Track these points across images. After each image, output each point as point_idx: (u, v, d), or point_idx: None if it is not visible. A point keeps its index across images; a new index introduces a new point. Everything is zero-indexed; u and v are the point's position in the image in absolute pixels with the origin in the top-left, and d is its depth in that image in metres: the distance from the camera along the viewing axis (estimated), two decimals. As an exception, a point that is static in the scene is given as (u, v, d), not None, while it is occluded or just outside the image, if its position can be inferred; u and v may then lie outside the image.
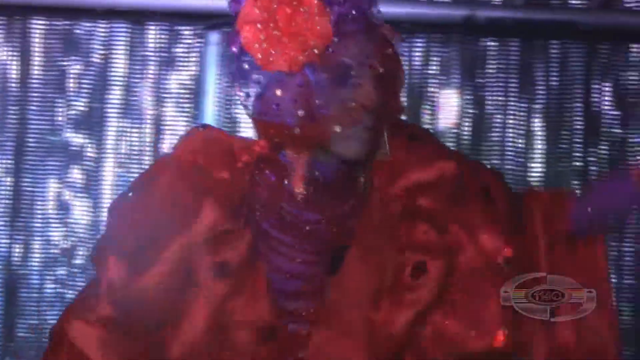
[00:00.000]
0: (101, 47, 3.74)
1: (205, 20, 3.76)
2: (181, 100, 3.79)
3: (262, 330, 1.99)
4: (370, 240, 2.05)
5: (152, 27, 3.77)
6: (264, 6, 1.93)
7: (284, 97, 1.94)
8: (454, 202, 2.08)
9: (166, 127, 3.76)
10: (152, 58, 3.77)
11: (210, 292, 1.95)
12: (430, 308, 2.04)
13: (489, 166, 2.16)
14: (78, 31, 3.73)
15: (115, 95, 3.76)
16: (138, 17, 3.72)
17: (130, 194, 2.05)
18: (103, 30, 3.74)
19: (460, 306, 2.04)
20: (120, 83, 3.76)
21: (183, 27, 3.78)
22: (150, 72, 3.77)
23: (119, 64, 3.76)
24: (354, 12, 1.95)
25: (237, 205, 2.02)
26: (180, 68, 3.79)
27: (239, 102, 2.08)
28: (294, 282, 2.04)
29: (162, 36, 3.78)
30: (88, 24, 3.73)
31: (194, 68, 3.79)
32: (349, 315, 2.02)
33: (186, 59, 3.79)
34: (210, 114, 3.79)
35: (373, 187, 2.08)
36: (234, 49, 1.99)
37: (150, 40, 3.77)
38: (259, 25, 1.93)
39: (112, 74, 3.75)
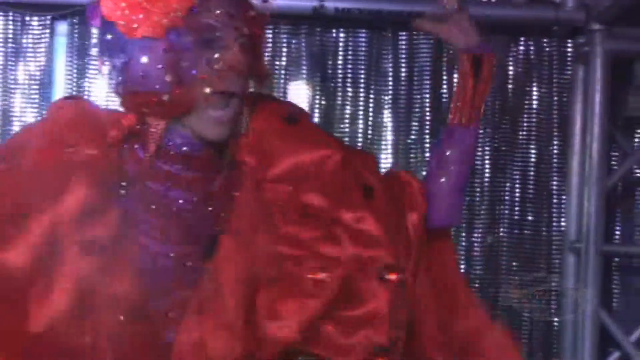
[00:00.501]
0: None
1: (53, 10, 3.77)
2: (29, 91, 3.80)
3: (129, 310, 1.93)
4: (245, 227, 1.99)
5: (0, 18, 3.78)
6: None
7: (151, 64, 1.90)
8: (335, 195, 2.03)
9: (14, 118, 3.76)
10: (0, 49, 3.78)
11: (76, 269, 1.89)
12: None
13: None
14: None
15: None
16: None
17: None
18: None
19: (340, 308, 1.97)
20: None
21: (31, 18, 3.79)
22: (-1, 63, 3.78)
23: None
24: None
25: (106, 182, 1.97)
26: (29, 59, 3.80)
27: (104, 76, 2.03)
28: (164, 265, 1.98)
29: (10, 27, 3.79)
30: None
31: (42, 59, 3.80)
32: (223, 303, 1.97)
33: (34, 50, 3.80)
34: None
35: (244, 168, 2.04)
36: (95, 20, 1.96)
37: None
38: None
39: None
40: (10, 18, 3.79)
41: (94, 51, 3.80)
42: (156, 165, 1.98)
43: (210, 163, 2.01)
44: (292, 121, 2.06)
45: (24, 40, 3.80)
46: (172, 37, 1.90)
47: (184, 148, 1.98)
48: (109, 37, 1.93)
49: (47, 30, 3.82)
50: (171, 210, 1.98)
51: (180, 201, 1.99)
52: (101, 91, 3.80)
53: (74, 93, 3.80)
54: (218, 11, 1.92)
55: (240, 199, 2.01)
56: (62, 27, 3.83)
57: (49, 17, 3.80)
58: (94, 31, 3.75)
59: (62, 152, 1.96)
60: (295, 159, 2.02)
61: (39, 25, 3.80)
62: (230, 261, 1.98)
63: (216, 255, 1.98)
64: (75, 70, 3.83)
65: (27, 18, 3.79)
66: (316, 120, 3.85)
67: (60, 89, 3.82)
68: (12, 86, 3.78)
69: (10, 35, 3.79)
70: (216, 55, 1.91)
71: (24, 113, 3.79)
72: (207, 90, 1.92)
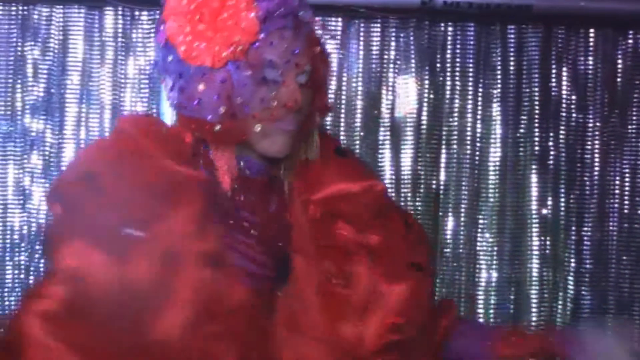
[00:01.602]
0: (58, 33, 3.74)
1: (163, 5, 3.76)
2: (139, 86, 3.79)
3: (241, 321, 1.95)
4: (307, 246, 2.04)
5: (110, 12, 3.76)
6: None
7: (206, 93, 1.90)
8: (377, 215, 2.08)
9: (125, 113, 3.75)
10: (110, 43, 3.77)
11: (194, 280, 1.89)
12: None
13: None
14: (35, 16, 3.72)
15: (73, 80, 3.75)
16: (96, 2, 3.72)
17: (85, 177, 1.93)
18: (60, 15, 3.73)
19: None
20: (79, 68, 3.75)
21: (140, 12, 3.78)
22: (108, 57, 3.76)
23: (77, 49, 3.75)
24: (282, 9, 1.92)
25: (208, 196, 1.97)
26: (138, 53, 3.79)
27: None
28: (247, 281, 2.00)
29: (120, 21, 3.78)
30: (45, 9, 3.72)
31: (151, 53, 3.78)
32: (313, 320, 2.01)
33: (144, 44, 3.79)
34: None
35: (294, 193, 2.07)
36: (160, 39, 1.97)
37: (108, 26, 3.76)
38: (184, 18, 1.90)
39: (70, 59, 3.75)
40: (120, 13, 3.77)
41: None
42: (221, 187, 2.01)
43: (270, 185, 2.05)
44: (341, 154, 2.12)
45: (134, 35, 3.78)
46: (231, 70, 1.89)
47: (246, 171, 2.01)
48: (169, 58, 1.93)
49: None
50: (244, 229, 2.01)
51: (250, 221, 2.02)
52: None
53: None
54: (281, 47, 1.90)
55: (295, 220, 2.05)
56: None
57: (158, 12, 3.78)
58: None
59: (160, 166, 1.95)
60: (341, 185, 2.07)
61: (149, 20, 3.78)
62: (306, 279, 2.02)
63: (292, 275, 2.03)
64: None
65: (137, 13, 3.78)
66: (424, 114, 3.84)
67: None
68: (122, 81, 3.77)
69: (120, 30, 3.77)
70: (273, 94, 1.91)
71: (134, 108, 3.77)
72: (258, 128, 1.93)
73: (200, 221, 1.91)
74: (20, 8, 3.71)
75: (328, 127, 3.77)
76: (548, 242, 3.84)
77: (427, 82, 3.83)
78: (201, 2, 1.90)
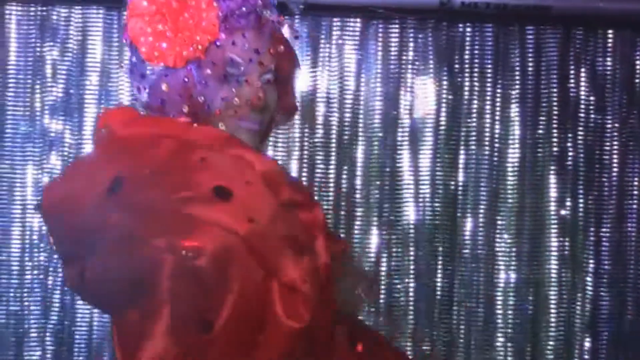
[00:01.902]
0: (77, 33, 3.74)
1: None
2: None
3: None
4: None
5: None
6: None
7: (169, 93, 1.90)
8: None
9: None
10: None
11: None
12: None
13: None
14: (54, 17, 3.72)
15: (92, 81, 3.75)
16: (114, 3, 3.72)
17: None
18: (79, 16, 3.74)
19: None
20: (97, 69, 3.76)
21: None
22: (126, 57, 3.75)
23: (95, 50, 3.76)
24: (243, 8, 1.92)
25: None
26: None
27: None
28: None
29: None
30: (64, 10, 3.73)
31: (171, 54, 3.78)
32: None
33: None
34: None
35: None
36: (125, 41, 1.98)
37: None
38: (145, 18, 1.91)
39: (89, 59, 3.75)
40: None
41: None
42: None
43: None
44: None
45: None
46: (192, 69, 1.89)
47: None
48: (134, 59, 1.96)
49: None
50: None
51: None
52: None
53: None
54: (242, 46, 1.90)
55: None
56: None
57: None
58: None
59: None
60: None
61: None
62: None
63: None
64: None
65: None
66: (443, 115, 3.84)
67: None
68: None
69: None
70: (234, 91, 1.91)
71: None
72: (222, 126, 1.92)
73: None
74: (39, 9, 3.72)
75: (347, 129, 3.77)
76: (567, 243, 3.83)
77: (445, 83, 3.83)
78: (162, 3, 1.90)
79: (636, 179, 3.86)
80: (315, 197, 2.10)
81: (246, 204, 1.80)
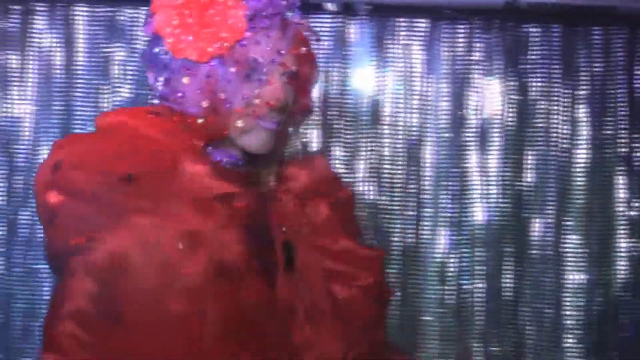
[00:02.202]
0: (144, 34, 3.72)
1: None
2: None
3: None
4: (300, 233, 2.08)
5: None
6: None
7: (190, 86, 1.93)
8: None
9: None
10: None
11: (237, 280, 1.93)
12: None
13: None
14: (121, 18, 3.72)
15: (159, 81, 3.74)
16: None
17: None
18: (145, 16, 3.72)
19: None
20: (164, 69, 3.74)
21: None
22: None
23: (163, 51, 3.74)
24: (269, 9, 1.95)
25: None
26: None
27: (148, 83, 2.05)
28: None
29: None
30: (131, 11, 3.72)
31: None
32: (321, 309, 2.05)
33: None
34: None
35: (277, 188, 2.12)
36: (148, 30, 2.01)
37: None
38: (173, 11, 1.94)
39: (156, 60, 3.74)
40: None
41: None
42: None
43: (249, 180, 2.06)
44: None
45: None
46: (216, 65, 1.92)
47: (227, 165, 2.03)
48: (156, 49, 1.98)
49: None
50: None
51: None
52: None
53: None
54: (266, 46, 1.93)
55: (280, 208, 2.08)
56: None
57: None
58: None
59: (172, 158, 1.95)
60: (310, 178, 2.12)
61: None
62: (311, 268, 2.07)
63: (296, 263, 2.05)
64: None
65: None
66: (510, 115, 3.82)
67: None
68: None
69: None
70: (255, 91, 1.94)
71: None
72: (240, 123, 1.95)
73: (242, 229, 1.94)
74: (107, 10, 3.71)
75: (414, 130, 3.76)
76: (636, 244, 3.81)
77: (511, 83, 3.81)
78: (184, 4, 1.94)
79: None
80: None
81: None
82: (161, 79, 1.96)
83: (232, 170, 2.04)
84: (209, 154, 2.02)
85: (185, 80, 1.93)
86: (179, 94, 1.93)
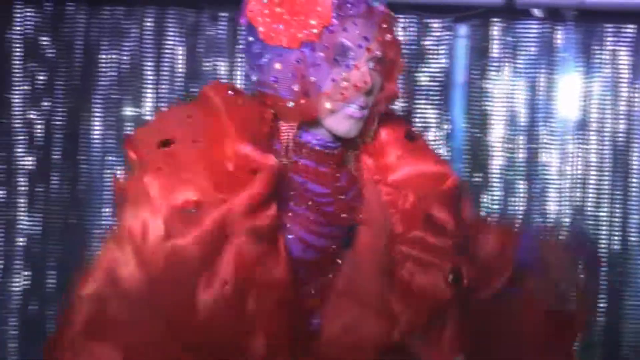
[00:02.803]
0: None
1: (454, 12, 3.77)
2: (431, 93, 3.79)
3: (281, 296, 2.02)
4: (375, 219, 2.12)
5: (401, 20, 3.78)
6: None
7: (282, 71, 2.01)
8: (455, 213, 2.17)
9: (417, 119, 3.76)
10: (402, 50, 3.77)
11: (238, 258, 1.97)
12: None
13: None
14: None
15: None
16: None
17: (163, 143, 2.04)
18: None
19: None
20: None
21: (432, 20, 3.79)
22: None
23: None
24: None
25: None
26: (430, 61, 3.79)
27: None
28: (311, 252, 2.10)
29: (411, 29, 3.79)
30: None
31: (443, 61, 3.79)
32: (368, 290, 2.10)
33: (435, 52, 3.79)
34: (460, 107, 3.80)
35: (364, 168, 2.16)
36: (242, 21, 2.07)
37: (399, 33, 3.77)
38: (264, 1, 2.03)
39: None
40: (412, 20, 3.79)
41: (494, 52, 3.80)
42: (294, 160, 2.08)
43: (340, 160, 2.13)
44: (410, 138, 2.19)
45: (426, 42, 3.79)
46: (305, 51, 1.99)
47: (317, 146, 2.09)
48: (250, 39, 2.05)
49: (449, 32, 3.81)
50: (311, 201, 2.09)
51: (317, 193, 2.10)
52: (501, 91, 3.79)
53: (475, 95, 3.79)
54: (354, 32, 2.00)
55: (366, 195, 2.13)
56: (463, 29, 3.82)
57: (450, 19, 3.79)
58: (495, 33, 3.80)
59: (234, 149, 2.01)
60: (416, 169, 2.14)
61: (440, 27, 3.79)
62: (369, 251, 2.11)
63: (355, 245, 2.11)
64: (476, 72, 3.81)
65: (428, 20, 3.79)
66: None
67: (460, 91, 3.81)
68: (414, 88, 3.78)
69: (412, 37, 3.78)
70: (343, 74, 2.00)
71: (426, 115, 3.78)
72: (329, 105, 2.01)
73: (257, 200, 1.98)
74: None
75: (621, 136, 3.74)
76: None
77: None
78: None
79: None
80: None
81: None
82: (255, 65, 2.06)
83: (323, 151, 2.11)
84: (301, 137, 2.09)
85: (277, 65, 2.01)
86: (272, 79, 2.02)
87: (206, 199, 1.97)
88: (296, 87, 2.01)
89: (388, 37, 2.06)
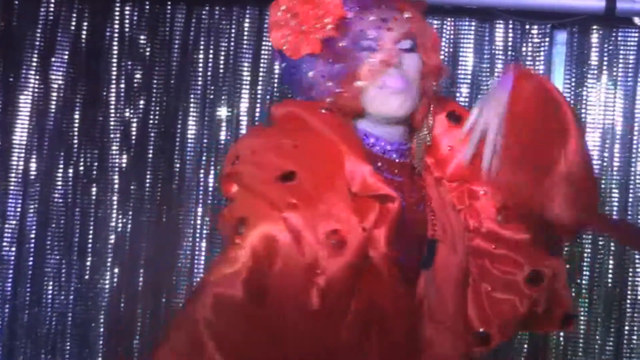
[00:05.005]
0: (449, 45, 3.75)
1: (553, 19, 3.75)
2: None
3: (405, 323, 2.04)
4: (448, 228, 2.10)
5: (501, 25, 3.77)
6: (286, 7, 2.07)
7: (316, 76, 2.05)
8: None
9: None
10: (500, 56, 3.76)
11: (326, 267, 1.96)
12: None
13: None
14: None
15: (463, 91, 3.76)
16: (486, 15, 3.73)
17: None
18: (450, 26, 3.76)
19: None
20: (468, 80, 3.76)
21: (531, 26, 3.77)
22: (497, 70, 3.75)
23: (467, 61, 3.76)
24: None
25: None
26: (528, 67, 3.77)
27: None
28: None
29: (510, 34, 3.78)
30: (436, 21, 3.74)
31: (541, 67, 3.77)
32: (445, 308, 2.08)
33: (533, 58, 3.77)
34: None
35: (429, 171, 2.14)
36: (276, 56, 2.21)
37: (498, 38, 3.77)
38: (281, 23, 2.07)
39: (460, 70, 3.76)
40: (511, 26, 3.77)
41: (593, 60, 3.77)
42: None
43: (410, 167, 2.10)
44: (454, 119, 2.13)
45: (524, 49, 3.77)
46: (329, 48, 2.03)
47: (380, 150, 2.07)
48: (283, 64, 2.12)
49: (547, 39, 3.78)
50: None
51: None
52: (599, 99, 3.76)
53: (571, 102, 3.76)
54: (369, 18, 2.03)
55: (433, 204, 2.11)
56: (562, 36, 3.80)
57: (548, 26, 3.77)
58: (594, 41, 3.77)
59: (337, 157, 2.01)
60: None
61: (539, 33, 3.77)
62: (446, 268, 2.08)
63: (434, 262, 2.08)
64: (573, 80, 3.78)
65: (527, 26, 3.77)
66: None
67: (559, 98, 3.78)
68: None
69: (510, 43, 3.77)
70: (370, 57, 2.02)
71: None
72: (360, 83, 2.02)
73: (392, 234, 1.98)
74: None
75: None
76: None
77: None
78: (290, 6, 2.06)
79: None
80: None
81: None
82: (300, 87, 2.09)
83: (393, 161, 2.09)
84: (372, 146, 2.08)
85: (310, 74, 2.05)
86: (308, 87, 2.06)
87: (348, 227, 1.96)
88: (329, 84, 2.04)
89: (407, 14, 2.06)
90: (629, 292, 3.69)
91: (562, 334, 3.66)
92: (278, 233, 1.94)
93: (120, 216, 3.87)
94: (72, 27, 3.85)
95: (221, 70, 3.84)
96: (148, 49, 3.87)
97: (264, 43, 3.81)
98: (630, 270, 3.70)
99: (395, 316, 2.02)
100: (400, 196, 2.00)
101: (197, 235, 3.83)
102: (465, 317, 2.12)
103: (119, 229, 3.86)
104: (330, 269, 1.94)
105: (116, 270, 3.86)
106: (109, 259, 3.86)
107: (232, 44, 3.83)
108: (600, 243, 3.72)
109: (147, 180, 3.85)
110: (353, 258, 1.95)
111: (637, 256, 3.70)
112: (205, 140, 3.83)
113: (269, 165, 2.00)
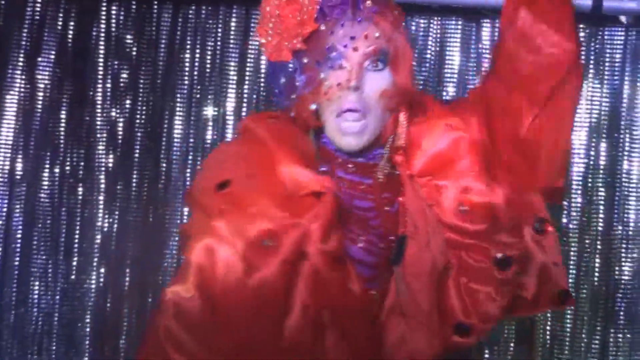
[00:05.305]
0: (434, 43, 3.75)
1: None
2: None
3: (358, 310, 2.06)
4: (420, 225, 2.11)
5: (487, 24, 3.77)
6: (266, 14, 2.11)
7: (283, 84, 2.10)
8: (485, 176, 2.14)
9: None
10: (486, 55, 3.76)
11: (321, 277, 2.02)
12: None
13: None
14: (412, 27, 3.74)
15: (449, 90, 3.76)
16: (473, 14, 3.73)
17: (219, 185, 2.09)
18: (437, 26, 3.76)
19: None
20: (455, 79, 3.76)
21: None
22: (484, 69, 3.74)
23: (453, 60, 3.76)
24: (339, 1, 2.08)
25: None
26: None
27: None
28: (363, 269, 2.10)
29: (497, 33, 3.76)
30: (423, 20, 3.74)
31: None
32: (418, 305, 2.09)
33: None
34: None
35: (398, 168, 2.15)
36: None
37: (484, 38, 3.77)
38: (262, 30, 2.11)
39: (446, 69, 3.76)
40: (497, 25, 3.75)
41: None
42: (338, 175, 2.11)
43: (372, 168, 2.12)
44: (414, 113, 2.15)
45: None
46: (296, 59, 2.07)
47: (343, 155, 2.11)
48: (270, 71, 2.16)
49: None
50: (358, 216, 2.10)
51: (363, 208, 2.11)
52: (585, 97, 3.75)
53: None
54: (339, 34, 2.05)
55: (405, 199, 2.12)
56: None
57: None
58: (581, 40, 3.76)
59: (290, 173, 2.06)
60: (433, 150, 2.13)
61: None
62: (417, 264, 2.09)
63: (404, 260, 2.09)
64: None
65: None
66: None
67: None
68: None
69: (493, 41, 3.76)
70: (322, 75, 2.05)
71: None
72: (313, 106, 2.07)
73: (328, 225, 2.01)
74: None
75: None
76: None
77: None
78: (269, 11, 2.09)
79: None
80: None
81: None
82: (273, 87, 2.15)
83: (360, 163, 2.12)
84: (336, 150, 2.12)
85: (280, 79, 2.10)
86: (276, 92, 2.12)
87: (280, 226, 2.00)
88: (293, 96, 2.08)
89: (379, 33, 2.07)
90: (614, 291, 3.68)
91: (548, 332, 3.66)
92: (215, 243, 2.00)
93: (106, 216, 3.86)
94: (59, 27, 3.84)
95: (207, 70, 3.84)
96: (134, 49, 3.86)
97: (250, 43, 3.80)
98: (617, 269, 3.70)
99: (351, 316, 2.04)
100: (333, 190, 2.04)
101: (184, 235, 3.82)
102: (441, 312, 2.12)
103: (105, 229, 3.85)
104: (263, 268, 1.98)
105: (102, 270, 3.85)
106: (95, 259, 3.85)
107: (219, 43, 3.82)
108: (587, 242, 3.71)
109: (134, 180, 3.85)
110: (287, 255, 1.99)
111: (623, 255, 3.70)
112: (191, 140, 3.83)
113: (210, 176, 2.08)
